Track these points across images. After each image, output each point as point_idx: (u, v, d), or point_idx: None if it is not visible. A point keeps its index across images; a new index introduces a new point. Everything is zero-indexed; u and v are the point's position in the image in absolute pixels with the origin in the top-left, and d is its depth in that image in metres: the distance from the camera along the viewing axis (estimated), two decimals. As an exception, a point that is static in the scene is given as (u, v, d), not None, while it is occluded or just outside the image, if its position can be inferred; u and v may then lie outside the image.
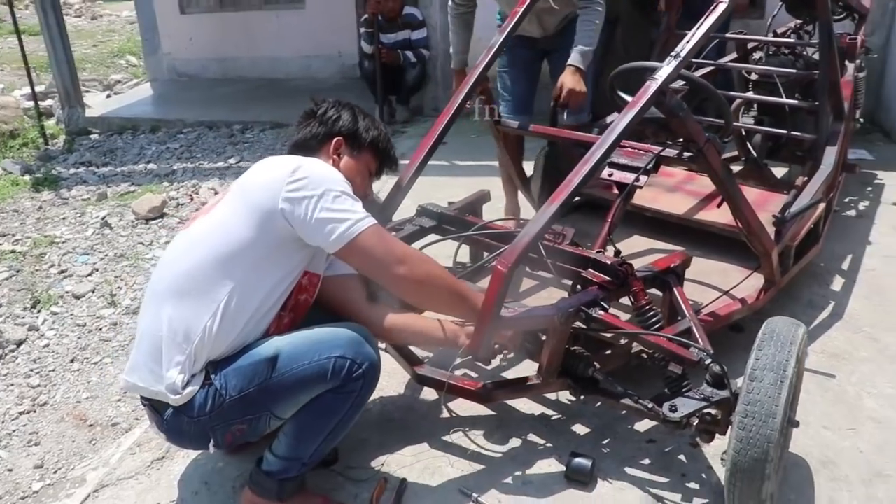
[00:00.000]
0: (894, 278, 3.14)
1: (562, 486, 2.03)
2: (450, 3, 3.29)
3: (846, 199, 3.97)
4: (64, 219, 4.34)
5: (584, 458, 2.03)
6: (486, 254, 2.55)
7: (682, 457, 2.13)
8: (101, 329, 3.10)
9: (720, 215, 2.95)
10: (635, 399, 1.98)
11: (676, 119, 2.12)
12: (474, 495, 1.99)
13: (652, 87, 2.04)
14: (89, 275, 3.57)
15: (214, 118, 6.33)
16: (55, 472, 2.30)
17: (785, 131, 3.27)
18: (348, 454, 2.14)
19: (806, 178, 3.17)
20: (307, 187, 1.76)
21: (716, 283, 2.67)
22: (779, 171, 3.86)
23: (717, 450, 2.07)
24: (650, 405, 1.94)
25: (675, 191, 3.29)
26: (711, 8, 2.19)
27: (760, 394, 1.67)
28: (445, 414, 2.35)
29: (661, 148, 2.27)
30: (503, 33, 2.69)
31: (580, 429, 2.26)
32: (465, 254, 2.70)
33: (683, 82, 2.91)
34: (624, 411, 2.21)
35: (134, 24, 13.73)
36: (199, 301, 1.76)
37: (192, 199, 4.54)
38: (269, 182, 1.79)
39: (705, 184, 3.28)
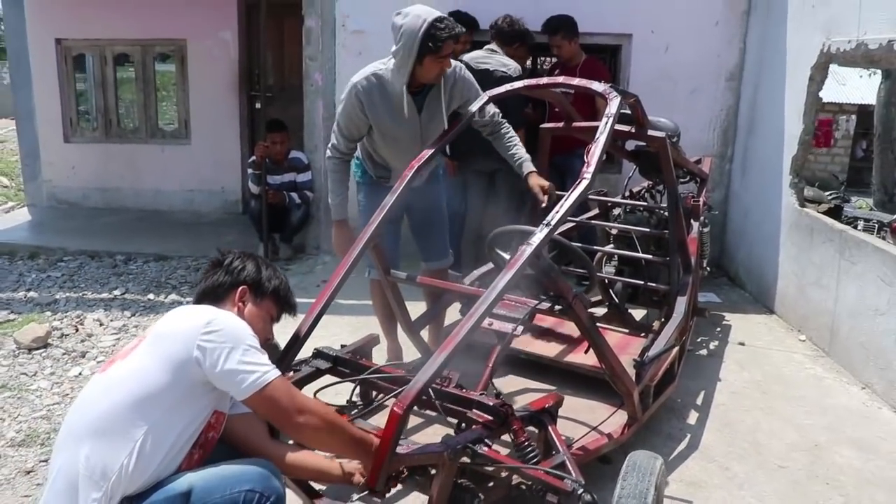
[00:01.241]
0: (740, 412, 3.62)
1: None
2: (329, 152, 3.44)
3: (699, 339, 4.52)
4: (-66, 350, 4.23)
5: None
6: (374, 393, 2.82)
7: (559, 582, 2.38)
8: (-20, 466, 3.06)
9: (587, 358, 3.35)
10: (519, 530, 2.23)
11: (548, 279, 2.51)
12: None
13: (527, 251, 2.43)
14: (-35, 409, 3.51)
15: (97, 248, 6.35)
16: None
17: (642, 281, 3.78)
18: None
19: (662, 323, 3.68)
20: (219, 339, 1.98)
21: (585, 420, 3.02)
22: (638, 314, 4.37)
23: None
24: (530, 536, 2.20)
25: (547, 335, 3.69)
26: (576, 183, 2.64)
27: (624, 520, 1.98)
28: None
29: (536, 302, 2.65)
30: (395, 193, 3.05)
31: (467, 560, 2.47)
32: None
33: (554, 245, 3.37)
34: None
35: (4, 143, 13.57)
36: (116, 440, 1.91)
37: (76, 330, 4.54)
38: (184, 332, 2.00)
39: (573, 329, 3.70)
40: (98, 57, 7.92)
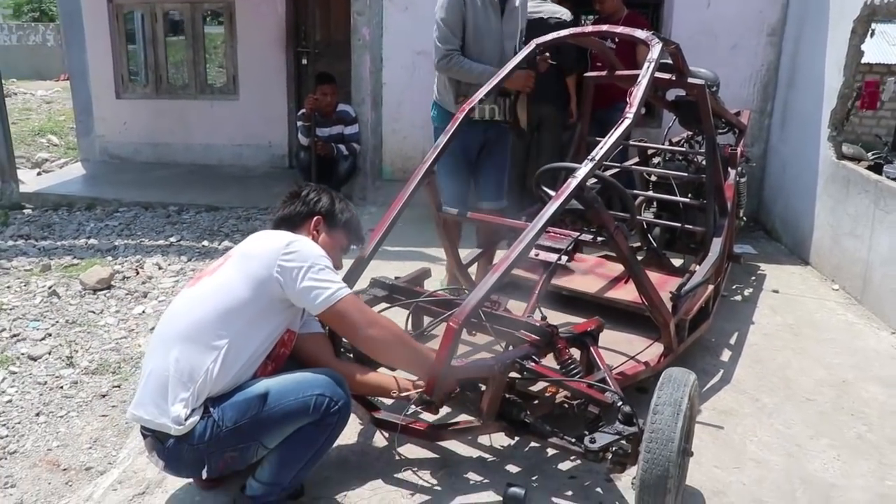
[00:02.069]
0: (772, 351, 3.77)
1: (500, 513, 2.44)
2: (441, 55, 3.80)
3: (734, 286, 4.66)
4: (8, 287, 4.53)
5: (518, 488, 2.45)
6: (426, 322, 3.04)
7: (598, 489, 2.58)
8: (62, 387, 3.34)
9: (625, 294, 3.53)
10: (561, 436, 2.44)
11: (592, 210, 2.68)
12: (425, 520, 2.38)
13: (573, 183, 2.60)
14: (43, 339, 3.80)
15: (151, 199, 6.63)
16: (35, 511, 2.54)
17: (679, 224, 3.93)
18: (313, 488, 2.48)
19: (698, 265, 3.82)
20: (297, 259, 2.20)
21: (623, 350, 3.19)
22: (675, 262, 4.51)
23: (627, 483, 2.54)
24: (573, 440, 2.40)
25: (587, 274, 3.86)
26: (619, 122, 2.80)
27: (661, 423, 2.17)
28: (396, 457, 2.73)
29: (578, 233, 2.82)
30: (447, 134, 3.23)
31: (512, 468, 2.69)
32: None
33: (597, 181, 3.52)
34: (550, 450, 2.68)
35: (51, 104, 13.95)
36: (203, 347, 2.14)
37: (137, 273, 4.82)
38: (266, 253, 2.23)
39: (612, 268, 3.88)
40: (148, 14, 8.15)
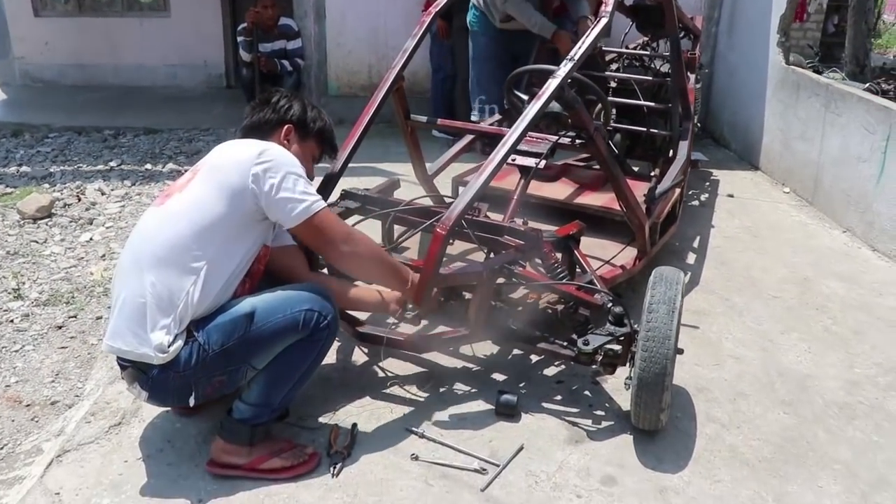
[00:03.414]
0: (735, 253, 3.78)
1: (493, 420, 2.38)
2: None
3: (690, 192, 4.65)
4: (-63, 221, 4.18)
5: (510, 395, 2.39)
6: (397, 234, 2.91)
7: (587, 392, 2.55)
8: (12, 321, 3.10)
9: (596, 199, 3.46)
10: (551, 341, 2.37)
11: (573, 110, 2.56)
12: (419, 431, 2.30)
13: (553, 83, 2.46)
14: (-17, 272, 3.52)
15: (83, 123, 6.18)
16: (1, 448, 2.36)
17: (644, 129, 3.85)
18: (298, 408, 2.37)
19: (660, 170, 3.77)
20: (272, 168, 2.02)
21: (598, 255, 3.14)
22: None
23: (614, 385, 2.51)
24: (563, 343, 2.34)
25: (553, 181, 3.76)
26: (595, 21, 2.66)
27: (658, 322, 2.12)
28: (380, 372, 2.64)
29: (557, 136, 2.70)
30: (415, 38, 3.02)
31: (499, 376, 2.63)
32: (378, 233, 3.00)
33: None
34: (535, 357, 2.63)
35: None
36: (181, 269, 1.96)
37: (79, 200, 4.50)
38: (238, 162, 2.03)
39: (580, 175, 3.80)
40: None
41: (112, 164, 5.26)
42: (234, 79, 7.05)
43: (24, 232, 4.05)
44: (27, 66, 7.67)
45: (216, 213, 1.99)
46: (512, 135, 2.39)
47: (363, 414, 2.40)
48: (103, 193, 4.65)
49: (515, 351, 2.74)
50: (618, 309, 2.30)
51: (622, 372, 2.33)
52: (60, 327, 3.09)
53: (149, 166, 5.25)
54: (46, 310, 3.21)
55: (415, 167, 3.46)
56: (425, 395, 2.51)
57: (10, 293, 3.33)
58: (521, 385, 2.58)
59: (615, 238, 3.30)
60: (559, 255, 2.54)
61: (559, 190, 3.57)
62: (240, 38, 6.02)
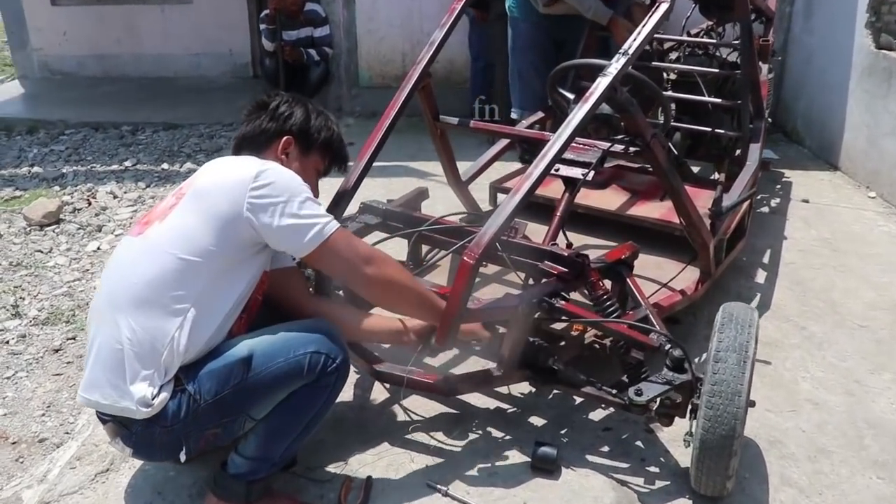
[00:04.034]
0: (811, 270, 3.49)
1: (528, 476, 2.17)
2: None
3: (759, 197, 4.35)
4: (-60, 227, 4.13)
5: (549, 447, 2.18)
6: (424, 253, 2.70)
7: (639, 442, 2.32)
8: (7, 342, 2.99)
9: (651, 210, 3.21)
10: (598, 386, 2.15)
11: (626, 114, 2.32)
12: (443, 488, 2.09)
13: (604, 82, 2.22)
14: (-18, 286, 3.43)
15: (100, 119, 6.13)
16: (-21, 496, 2.23)
17: (709, 129, 3.57)
18: (307, 456, 2.19)
19: (724, 175, 3.50)
20: (272, 193, 1.83)
21: (653, 276, 2.89)
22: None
23: (672, 434, 2.27)
24: (614, 391, 2.11)
25: (603, 187, 3.51)
26: (654, 8, 2.41)
27: (726, 374, 1.87)
28: (401, 413, 2.45)
29: (609, 143, 2.46)
30: (443, 28, 2.81)
31: (537, 420, 2.41)
32: (401, 251, 2.80)
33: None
34: (582, 399, 2.41)
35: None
36: (163, 311, 1.79)
37: (89, 204, 4.42)
38: (230, 187, 1.84)
39: (633, 180, 3.54)
40: None
41: (127, 163, 5.18)
42: (260, 68, 6.91)
43: (29, 240, 3.97)
44: (46, 57, 7.66)
45: (203, 246, 1.81)
46: (555, 143, 2.16)
47: (379, 464, 2.22)
48: (115, 197, 4.56)
49: (556, 391, 2.51)
50: (677, 353, 2.07)
51: (681, 423, 2.10)
52: (57, 350, 2.98)
53: (165, 166, 5.14)
54: (45, 330, 3.10)
55: (446, 173, 3.26)
56: (452, 442, 2.31)
57: (8, 310, 3.23)
58: (562, 432, 2.36)
59: (674, 255, 3.05)
60: (608, 285, 2.31)
61: (609, 198, 3.33)
62: (262, 26, 5.87)
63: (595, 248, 3.14)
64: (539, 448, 2.18)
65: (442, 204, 3.55)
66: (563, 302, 2.14)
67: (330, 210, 2.43)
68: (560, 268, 2.24)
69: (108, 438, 1.95)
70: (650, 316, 2.23)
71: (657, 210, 3.18)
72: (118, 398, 1.77)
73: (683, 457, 2.22)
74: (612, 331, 2.15)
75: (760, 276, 3.43)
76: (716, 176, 3.50)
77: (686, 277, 2.87)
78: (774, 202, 4.35)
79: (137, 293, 1.80)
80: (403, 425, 2.38)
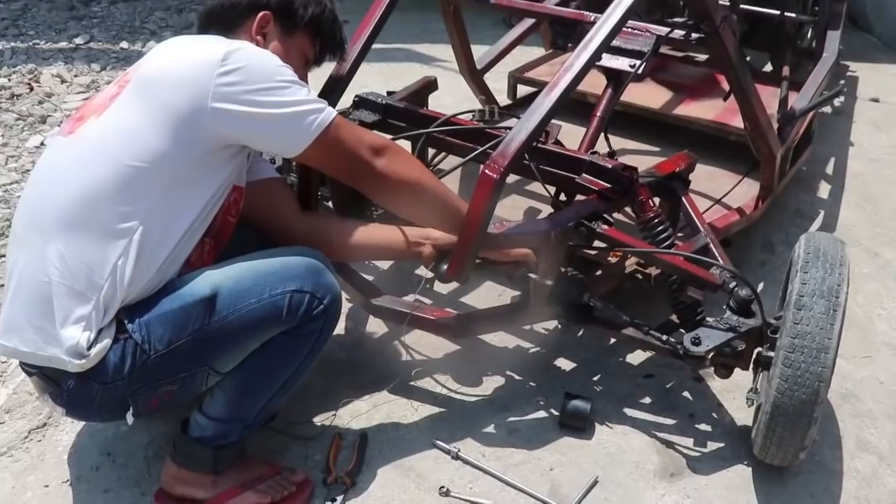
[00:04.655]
0: (884, 184, 3.20)
1: (556, 434, 1.96)
2: None
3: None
4: None
5: (581, 400, 1.95)
6: (430, 156, 2.41)
7: (686, 394, 2.10)
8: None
9: (704, 110, 2.90)
10: (645, 330, 1.90)
11: (692, -9, 1.98)
12: (453, 449, 1.88)
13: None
14: None
15: (47, -16, 5.67)
16: None
17: (777, 11, 3.20)
18: (289, 406, 1.95)
19: (788, 69, 3.16)
20: (247, 80, 1.52)
21: (704, 190, 2.61)
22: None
23: (725, 384, 2.04)
24: (664, 337, 1.86)
25: (642, 79, 3.17)
26: None
27: (811, 324, 1.62)
28: (402, 351, 2.22)
29: (666, 28, 2.14)
30: None
31: (564, 363, 2.19)
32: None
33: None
34: (620, 342, 2.16)
35: None
36: (104, 234, 1.50)
37: (31, 89, 4.06)
38: (191, 74, 1.52)
39: (679, 72, 3.21)
40: None
41: (78, 40, 4.78)
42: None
43: (-43, 132, 3.64)
44: None
45: (156, 149, 1.51)
46: (603, 26, 1.83)
47: (376, 415, 2.00)
48: (63, 81, 4.19)
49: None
50: (744, 292, 1.81)
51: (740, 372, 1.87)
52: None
53: (125, 45, 4.76)
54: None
55: (458, 59, 2.92)
56: (463, 390, 2.08)
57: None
58: (594, 378, 2.14)
59: (727, 164, 2.77)
60: (658, 203, 2.02)
61: (651, 94, 3.00)
62: None
63: (634, 153, 2.84)
64: (569, 401, 1.95)
65: (451, 96, 3.24)
66: (605, 226, 1.86)
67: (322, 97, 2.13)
68: (602, 183, 1.95)
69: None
70: (711, 245, 1.96)
71: (711, 110, 2.87)
72: (43, 345, 1.50)
73: (740, 413, 2.01)
74: (665, 263, 1.87)
75: (823, 191, 3.14)
76: (786, 69, 3.14)
77: (742, 192, 2.60)
78: (838, 101, 4.01)
79: (68, 210, 1.51)
80: (405, 367, 2.14)
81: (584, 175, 1.98)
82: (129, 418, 1.60)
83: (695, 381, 2.13)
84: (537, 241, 1.84)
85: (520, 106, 3.21)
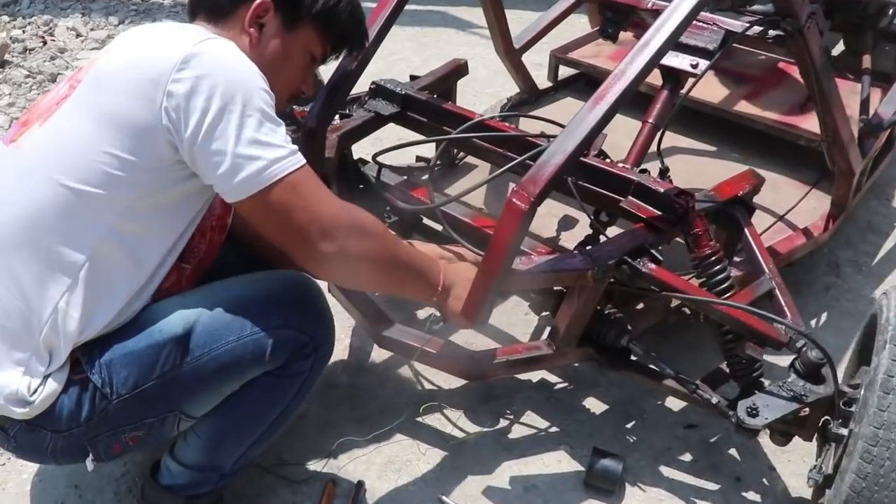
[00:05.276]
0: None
1: (580, 494, 1.70)
2: None
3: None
4: None
5: (612, 459, 1.68)
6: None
7: (733, 451, 1.82)
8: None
9: (767, 106, 2.55)
10: (692, 388, 1.61)
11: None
12: (461, 508, 1.62)
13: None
14: None
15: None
16: None
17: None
18: (279, 440, 1.70)
19: (869, 58, 2.78)
20: (200, 93, 1.20)
21: (764, 202, 2.27)
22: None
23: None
24: (714, 399, 1.57)
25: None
26: None
27: (898, 413, 1.32)
28: (411, 377, 1.96)
29: (741, 24, 1.80)
30: None
31: (594, 404, 1.92)
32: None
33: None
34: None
35: None
36: (43, 268, 1.24)
37: (44, 43, 3.81)
38: (143, 78, 1.22)
39: (738, 60, 2.84)
40: None
41: (101, -10, 4.51)
42: None
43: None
44: None
45: (102, 169, 1.22)
46: (668, 21, 1.50)
47: (377, 459, 1.76)
48: (78, 35, 3.95)
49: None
50: (814, 354, 1.50)
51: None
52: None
53: (148, -6, 4.48)
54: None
55: (494, 37, 2.60)
56: (477, 430, 1.82)
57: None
58: (627, 426, 1.86)
59: (792, 171, 2.42)
60: (711, 232, 1.71)
61: (710, 85, 2.64)
62: None
63: (683, 153, 2.51)
64: (598, 460, 1.68)
65: (487, 69, 2.92)
66: (651, 265, 1.56)
67: (326, 94, 1.83)
68: (651, 209, 1.65)
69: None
70: (776, 291, 1.65)
71: (776, 107, 2.52)
72: None
73: (795, 481, 1.74)
74: (723, 315, 1.57)
75: (897, 200, 2.80)
76: (867, 58, 2.75)
77: (810, 207, 2.27)
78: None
79: (5, 233, 1.25)
80: (414, 399, 1.89)
81: (630, 198, 1.68)
82: (90, 464, 1.37)
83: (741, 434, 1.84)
84: (572, 279, 1.55)
85: (560, 89, 2.89)
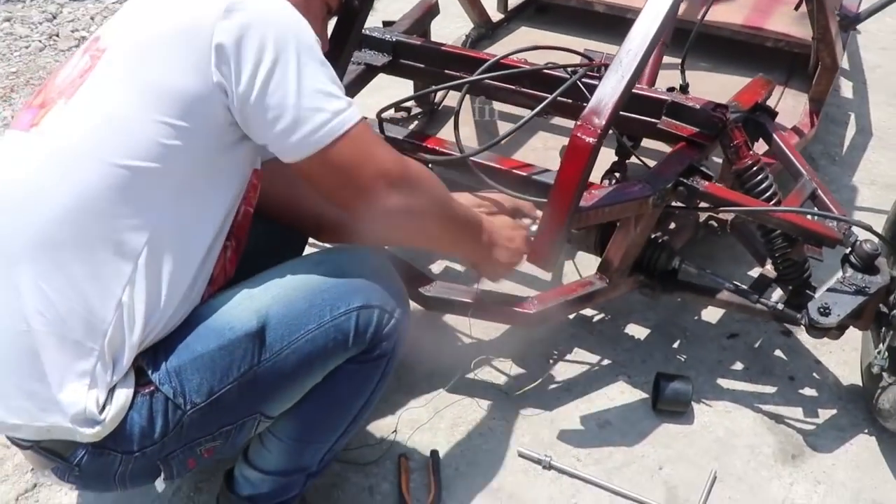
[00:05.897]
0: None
1: (653, 421, 1.69)
2: None
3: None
4: None
5: (681, 382, 1.67)
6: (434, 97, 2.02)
7: (779, 353, 1.84)
8: None
9: (730, 13, 2.54)
10: (754, 298, 1.60)
11: None
12: (545, 458, 1.58)
13: None
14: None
15: None
16: None
17: None
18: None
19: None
20: (253, 42, 1.07)
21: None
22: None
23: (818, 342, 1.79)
24: (780, 307, 1.58)
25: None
26: None
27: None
28: (449, 335, 1.88)
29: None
30: None
31: (637, 331, 1.90)
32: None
33: None
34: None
35: None
36: (99, 260, 1.08)
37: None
38: (185, 39, 1.07)
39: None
40: None
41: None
42: None
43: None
44: None
45: (155, 140, 1.07)
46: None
47: (441, 424, 1.68)
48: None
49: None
50: (868, 246, 1.52)
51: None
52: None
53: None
54: None
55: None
56: (531, 377, 1.76)
57: None
58: (674, 346, 1.85)
59: (758, 73, 2.43)
60: (746, 142, 1.69)
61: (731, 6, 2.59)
62: None
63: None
64: (667, 385, 1.67)
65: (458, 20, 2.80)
66: (705, 182, 1.53)
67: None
68: (688, 127, 1.61)
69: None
70: (819, 191, 1.65)
71: (738, 12, 2.51)
72: (39, 413, 1.10)
73: (841, 370, 1.79)
74: (779, 221, 1.56)
75: (847, 89, 2.88)
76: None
77: (788, 107, 2.29)
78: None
79: (46, 232, 1.08)
80: (459, 357, 1.80)
81: (665, 119, 1.64)
82: (160, 485, 1.23)
83: (783, 336, 1.87)
84: (635, 207, 1.51)
85: (512, 20, 2.80)
